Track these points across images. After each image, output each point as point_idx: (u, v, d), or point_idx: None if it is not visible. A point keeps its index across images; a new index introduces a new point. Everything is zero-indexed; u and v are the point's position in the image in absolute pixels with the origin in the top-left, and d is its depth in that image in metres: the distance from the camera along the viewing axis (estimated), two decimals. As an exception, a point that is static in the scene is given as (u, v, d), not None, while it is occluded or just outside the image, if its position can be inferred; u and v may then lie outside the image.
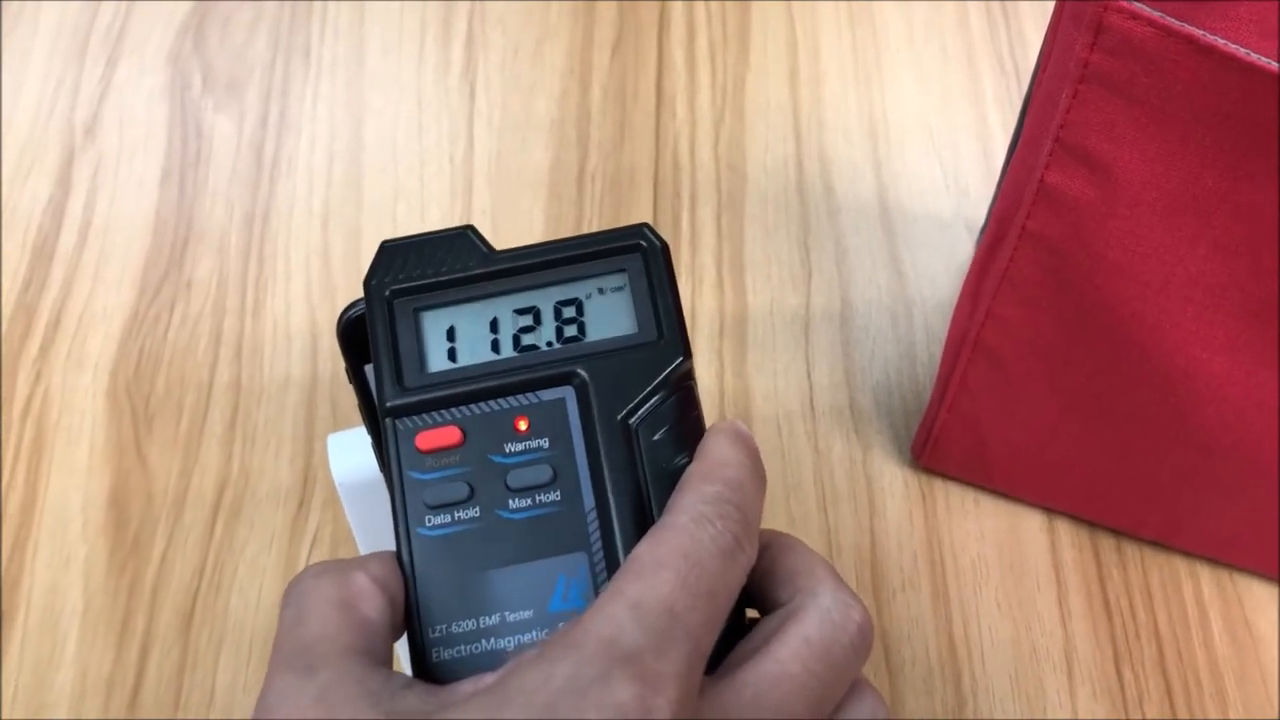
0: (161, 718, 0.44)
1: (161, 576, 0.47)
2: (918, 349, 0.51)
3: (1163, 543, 0.46)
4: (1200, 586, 0.46)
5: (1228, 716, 0.43)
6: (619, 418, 0.26)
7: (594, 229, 0.55)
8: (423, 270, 0.28)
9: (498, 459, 0.27)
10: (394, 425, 0.27)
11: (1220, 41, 0.30)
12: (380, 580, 0.26)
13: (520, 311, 0.28)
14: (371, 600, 0.25)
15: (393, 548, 0.27)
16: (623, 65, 0.59)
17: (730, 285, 0.53)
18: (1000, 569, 0.46)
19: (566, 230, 0.54)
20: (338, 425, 0.50)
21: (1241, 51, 0.30)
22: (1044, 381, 0.41)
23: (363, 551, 0.41)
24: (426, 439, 0.27)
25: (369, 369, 0.37)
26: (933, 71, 0.58)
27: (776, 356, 0.51)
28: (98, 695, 0.45)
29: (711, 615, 0.24)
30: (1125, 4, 0.30)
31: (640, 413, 0.26)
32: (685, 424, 0.27)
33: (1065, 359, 0.40)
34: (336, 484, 0.40)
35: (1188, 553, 0.46)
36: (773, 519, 0.47)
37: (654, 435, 0.26)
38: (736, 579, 0.25)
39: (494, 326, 0.28)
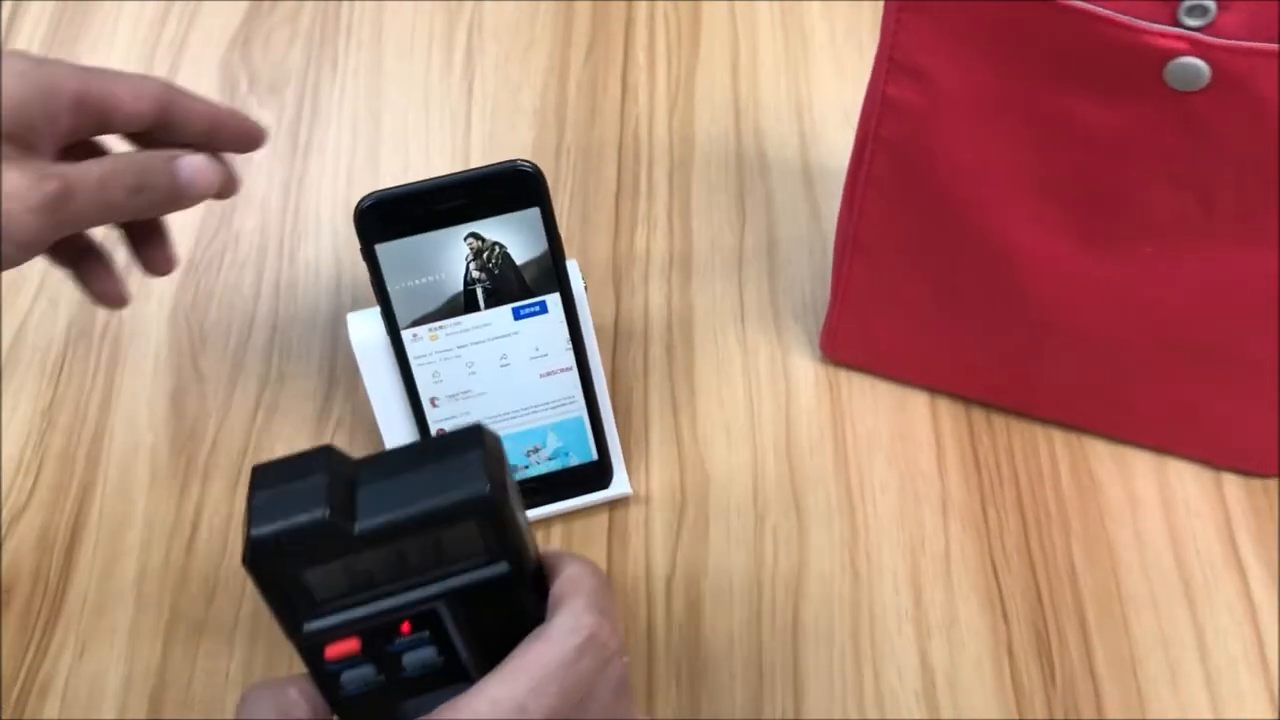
0: (212, 564, 0.55)
1: (212, 455, 0.58)
2: (828, 274, 0.62)
3: (1023, 411, 0.56)
4: (1054, 446, 0.56)
5: (1070, 542, 0.53)
6: (480, 614, 0.35)
7: (569, 189, 0.66)
8: (296, 506, 0.32)
9: (391, 647, 0.35)
10: (306, 649, 0.34)
11: (990, -26, 0.42)
12: (307, 694, 0.35)
13: (387, 564, 0.34)
14: (301, 708, 0.34)
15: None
16: (594, 64, 0.72)
17: (679, 229, 0.64)
18: (890, 436, 0.56)
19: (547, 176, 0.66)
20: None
21: (1006, -19, 0.41)
22: (909, 271, 0.52)
23: (375, 408, 0.52)
24: (333, 649, 0.34)
25: (380, 247, 0.48)
26: (849, 63, 0.70)
27: (715, 282, 0.62)
28: (161, 544, 0.55)
29: (559, 705, 0.32)
30: (916, -54, 0.42)
31: (494, 605, 0.34)
32: (528, 604, 0.35)
33: (923, 247, 0.51)
34: (354, 345, 0.51)
35: (1044, 419, 0.56)
36: (709, 408, 0.58)
37: (500, 615, 0.35)
38: (587, 673, 0.33)
39: (366, 577, 0.34)
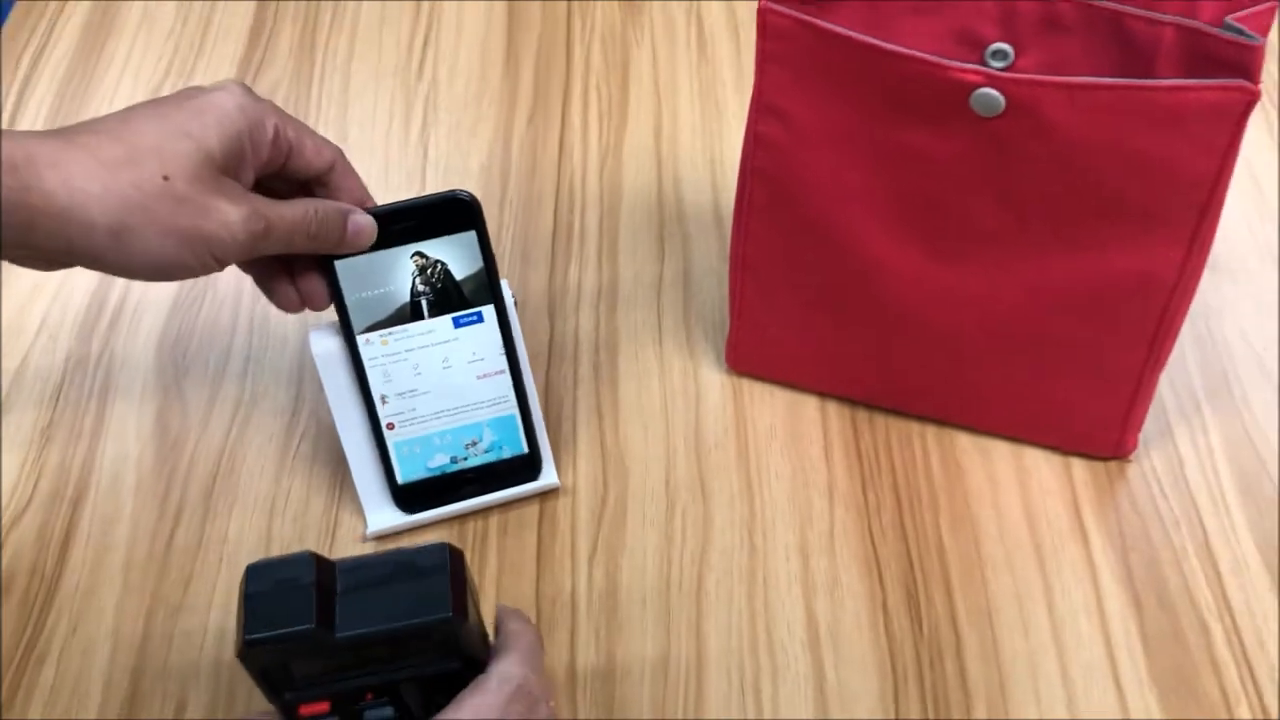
0: (189, 555, 0.62)
1: (192, 463, 0.66)
2: (736, 300, 0.71)
3: (897, 409, 0.65)
4: (926, 439, 0.64)
5: (938, 519, 0.61)
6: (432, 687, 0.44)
7: (511, 233, 0.76)
8: (285, 616, 0.41)
9: (356, 707, 0.44)
10: (283, 707, 0.43)
11: (833, 27, 0.51)
12: None
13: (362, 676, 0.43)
14: None
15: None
16: (535, 128, 0.81)
17: (606, 264, 0.73)
18: (785, 434, 0.65)
19: (493, 225, 0.75)
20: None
21: (845, 32, 0.51)
22: (791, 288, 0.61)
23: (334, 412, 0.60)
24: (307, 709, 0.43)
25: (338, 263, 0.57)
26: (758, 125, 0.80)
27: (637, 310, 0.71)
28: (145, 539, 0.63)
29: None
30: (772, 6, 0.52)
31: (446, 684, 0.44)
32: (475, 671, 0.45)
33: (799, 266, 0.60)
34: (314, 356, 0.59)
35: (915, 415, 0.65)
36: (629, 414, 0.66)
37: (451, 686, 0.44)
38: (516, 717, 0.43)
39: (338, 666, 0.43)
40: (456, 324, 0.59)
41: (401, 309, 0.58)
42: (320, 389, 0.60)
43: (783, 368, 0.65)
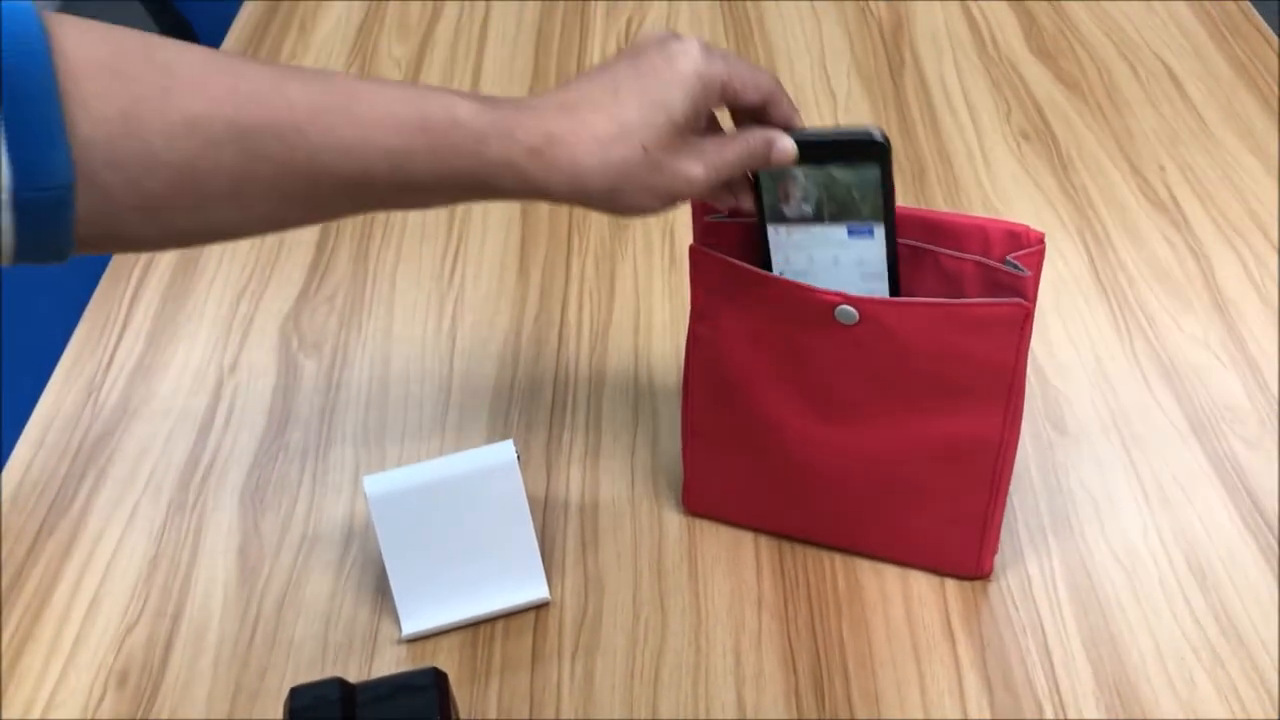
0: (266, 651, 0.81)
1: (267, 586, 0.85)
2: (692, 458, 0.90)
3: (812, 540, 0.83)
4: (835, 563, 0.82)
5: (840, 623, 0.79)
6: None
7: (518, 407, 0.96)
8: None
9: None
10: None
11: (738, 262, 0.73)
12: None
13: None
14: None
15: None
16: (540, 325, 1.03)
17: (592, 430, 0.93)
18: (726, 561, 0.83)
19: (504, 398, 0.95)
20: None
21: (746, 266, 0.72)
22: (725, 445, 0.81)
23: (384, 550, 0.80)
24: None
25: (761, 174, 0.71)
26: (715, 320, 1.01)
27: (615, 464, 0.91)
28: (230, 643, 0.81)
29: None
30: (696, 245, 0.73)
31: None
32: None
33: (729, 429, 0.80)
34: (368, 498, 0.79)
35: (829, 546, 0.83)
36: (607, 545, 0.85)
37: None
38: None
39: None
40: (850, 233, 0.70)
41: (806, 213, 0.69)
42: (367, 526, 0.79)
43: (724, 508, 0.85)
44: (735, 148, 0.64)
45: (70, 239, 0.53)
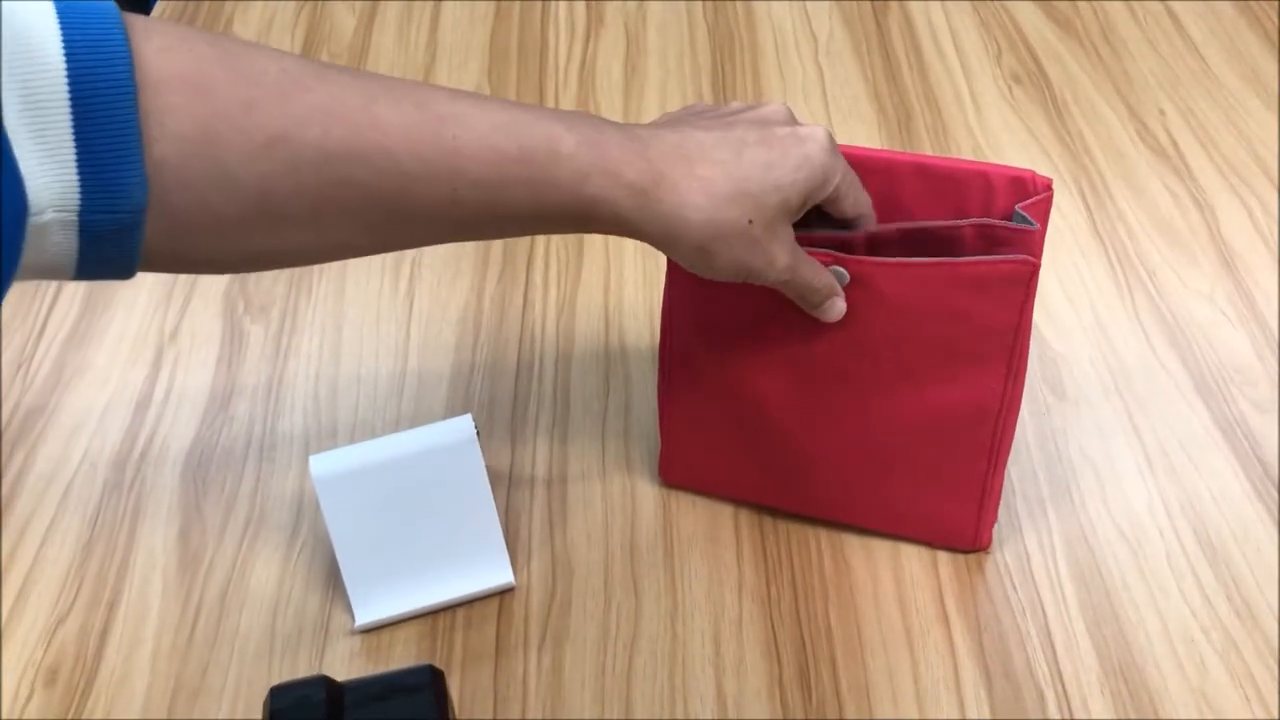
0: (206, 647, 0.75)
1: (209, 571, 0.78)
2: (667, 428, 0.84)
3: (795, 513, 0.78)
4: (820, 540, 0.77)
5: (828, 608, 0.73)
6: None
7: (480, 374, 0.90)
8: None
9: None
10: None
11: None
12: None
13: None
14: None
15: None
16: (504, 286, 0.96)
17: (560, 400, 0.87)
18: (704, 539, 0.78)
19: (465, 366, 0.89)
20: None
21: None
22: (704, 413, 0.75)
23: (331, 533, 0.73)
24: None
25: None
26: (691, 279, 0.95)
27: (585, 436, 0.85)
28: (169, 635, 0.75)
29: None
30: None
31: None
32: None
33: (709, 395, 0.74)
34: (314, 480, 0.73)
35: (812, 519, 0.78)
36: (576, 523, 0.79)
37: None
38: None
39: None
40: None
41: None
42: (317, 508, 0.73)
43: (704, 479, 0.79)
44: (819, 276, 0.64)
45: (136, 259, 0.49)
